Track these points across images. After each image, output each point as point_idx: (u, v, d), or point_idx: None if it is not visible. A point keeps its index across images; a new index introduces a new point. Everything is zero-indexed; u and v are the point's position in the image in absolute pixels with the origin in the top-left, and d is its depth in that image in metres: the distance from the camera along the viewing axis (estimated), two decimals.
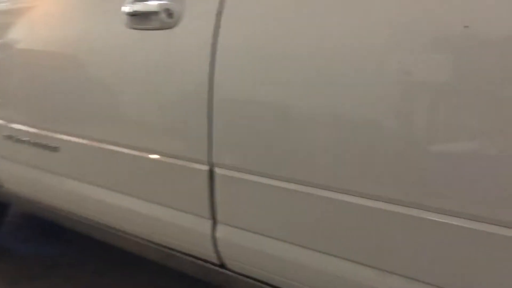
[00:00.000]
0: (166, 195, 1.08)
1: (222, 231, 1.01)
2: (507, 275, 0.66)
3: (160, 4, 0.99)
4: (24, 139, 1.37)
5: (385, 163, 0.73)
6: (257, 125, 0.87)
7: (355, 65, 0.74)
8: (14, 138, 1.41)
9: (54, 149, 1.30)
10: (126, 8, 1.05)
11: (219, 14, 0.90)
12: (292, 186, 0.85)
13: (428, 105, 0.69)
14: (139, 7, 1.03)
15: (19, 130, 1.39)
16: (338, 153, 0.77)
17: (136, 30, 1.05)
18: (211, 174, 0.97)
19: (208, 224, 1.03)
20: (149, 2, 1.02)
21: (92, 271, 1.69)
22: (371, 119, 0.73)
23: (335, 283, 0.87)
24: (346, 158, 0.77)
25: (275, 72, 0.84)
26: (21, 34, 1.39)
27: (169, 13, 0.98)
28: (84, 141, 1.21)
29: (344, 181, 0.78)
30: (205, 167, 0.97)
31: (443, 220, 0.69)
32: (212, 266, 1.10)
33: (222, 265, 1.08)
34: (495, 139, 0.64)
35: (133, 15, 1.04)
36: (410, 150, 0.70)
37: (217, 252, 1.05)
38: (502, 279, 0.67)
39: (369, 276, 0.81)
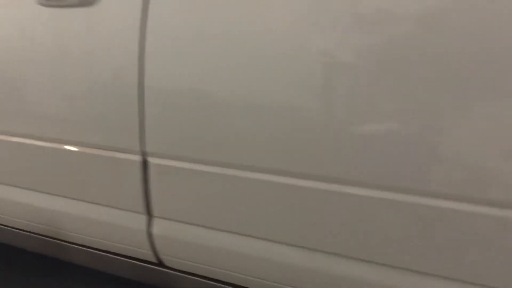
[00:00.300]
0: (94, 191, 0.99)
1: (158, 226, 0.95)
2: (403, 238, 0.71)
3: None
4: None
5: (308, 143, 0.73)
6: (188, 111, 0.81)
7: (274, 49, 0.72)
8: None
9: None
10: None
11: None
12: (224, 171, 0.82)
13: (346, 86, 0.69)
14: None
15: None
16: (262, 135, 0.76)
17: (49, 8, 0.93)
18: (144, 164, 0.89)
19: (143, 219, 0.96)
20: None
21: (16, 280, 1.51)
22: (294, 102, 0.72)
23: (281, 270, 0.85)
24: (271, 140, 0.75)
25: (202, 56, 0.79)
26: None
27: None
28: None
29: (270, 161, 0.77)
30: (138, 157, 0.89)
31: (360, 193, 0.72)
32: (149, 265, 1.03)
33: (160, 263, 1.02)
34: (409, 119, 0.65)
35: None
36: (329, 130, 0.71)
37: (154, 249, 0.99)
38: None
39: (304, 257, 0.81)
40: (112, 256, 1.06)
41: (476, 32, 0.60)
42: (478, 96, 0.61)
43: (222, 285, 0.97)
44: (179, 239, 0.94)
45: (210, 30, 0.77)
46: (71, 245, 1.11)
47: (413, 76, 0.64)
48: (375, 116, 0.67)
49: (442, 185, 0.66)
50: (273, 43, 0.72)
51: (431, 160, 0.65)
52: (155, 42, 0.82)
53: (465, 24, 0.60)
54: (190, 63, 0.80)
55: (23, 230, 1.19)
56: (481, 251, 0.66)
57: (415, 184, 0.67)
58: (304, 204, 0.77)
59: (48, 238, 1.14)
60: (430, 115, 0.64)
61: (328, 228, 0.76)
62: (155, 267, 1.03)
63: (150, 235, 0.97)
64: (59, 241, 1.13)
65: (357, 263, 0.77)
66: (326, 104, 0.70)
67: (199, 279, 0.99)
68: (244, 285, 0.94)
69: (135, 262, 1.04)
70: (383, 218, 0.71)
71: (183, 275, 1.00)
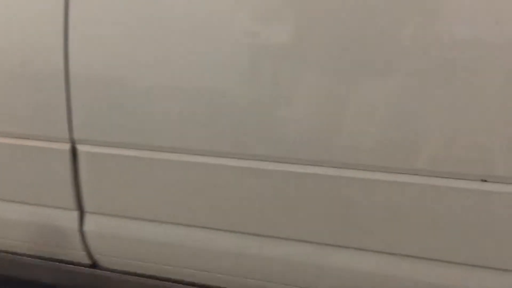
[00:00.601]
0: (16, 187, 0.91)
1: (91, 223, 0.89)
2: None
3: None
4: None
5: (232, 123, 0.73)
6: (114, 96, 0.79)
7: (196, 32, 0.72)
8: None
9: None
10: None
11: None
12: (153, 155, 0.79)
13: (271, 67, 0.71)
14: None
15: None
16: (185, 118, 0.76)
17: None
18: (73, 153, 0.83)
19: (74, 216, 0.89)
20: None
21: None
22: (215, 84, 0.73)
23: (224, 259, 0.83)
24: (196, 121, 0.75)
25: (125, 42, 0.76)
26: None
27: None
28: None
29: (189, 141, 0.77)
30: (66, 146, 0.83)
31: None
32: (82, 268, 0.95)
33: (94, 265, 0.95)
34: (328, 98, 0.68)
35: None
36: (252, 110, 0.72)
37: (87, 249, 0.92)
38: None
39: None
40: (38, 260, 0.97)
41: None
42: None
43: (163, 282, 0.92)
44: (115, 235, 0.88)
45: (133, 15, 0.75)
46: None
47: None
48: (296, 96, 0.69)
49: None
50: (195, 26, 0.72)
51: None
52: (78, 29, 0.78)
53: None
54: (113, 48, 0.77)
55: None
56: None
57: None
58: (239, 185, 0.76)
59: None
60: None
61: (265, 210, 0.76)
62: (89, 269, 0.95)
63: (82, 234, 0.90)
64: None
65: (286, 242, 0.78)
66: (248, 85, 0.71)
67: (137, 277, 0.93)
68: (187, 279, 0.90)
69: (65, 265, 0.96)
70: (300, 192, 0.73)
71: (120, 275, 0.94)
